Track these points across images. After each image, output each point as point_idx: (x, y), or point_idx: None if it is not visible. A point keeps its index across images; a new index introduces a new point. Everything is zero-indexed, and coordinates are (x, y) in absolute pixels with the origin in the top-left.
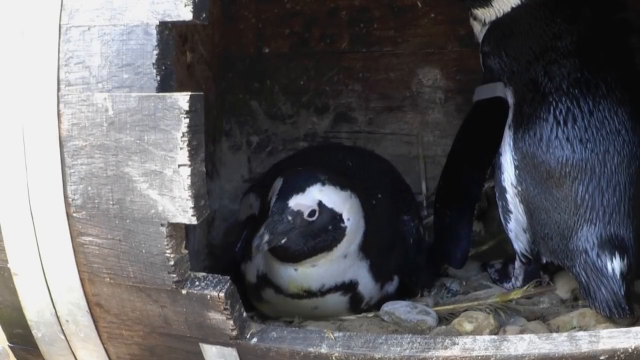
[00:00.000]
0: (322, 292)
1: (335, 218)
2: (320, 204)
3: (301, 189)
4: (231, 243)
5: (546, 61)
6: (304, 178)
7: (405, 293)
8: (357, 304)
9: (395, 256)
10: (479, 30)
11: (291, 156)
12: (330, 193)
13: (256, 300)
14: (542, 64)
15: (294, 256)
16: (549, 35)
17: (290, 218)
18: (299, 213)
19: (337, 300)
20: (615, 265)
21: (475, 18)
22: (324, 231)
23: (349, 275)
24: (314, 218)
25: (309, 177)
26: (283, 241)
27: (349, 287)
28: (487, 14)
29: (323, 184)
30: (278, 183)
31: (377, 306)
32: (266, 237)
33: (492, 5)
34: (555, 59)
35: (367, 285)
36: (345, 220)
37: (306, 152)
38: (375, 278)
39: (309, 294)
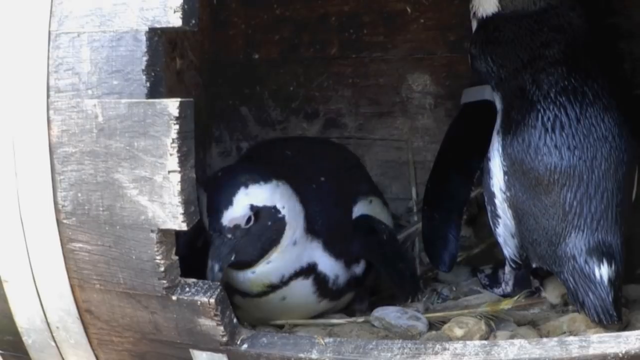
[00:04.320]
0: (284, 282)
1: (271, 212)
2: (252, 207)
3: (229, 202)
4: (193, 238)
5: (534, 69)
6: (227, 189)
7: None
8: (323, 285)
9: (356, 238)
10: (472, 19)
11: (242, 157)
12: (256, 192)
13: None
14: (530, 72)
15: (249, 263)
16: (537, 43)
17: (230, 235)
18: (236, 227)
19: (302, 285)
20: (603, 271)
21: (471, 5)
22: (266, 229)
23: (305, 259)
24: (252, 223)
25: (230, 186)
26: (232, 258)
27: (308, 270)
28: (475, 3)
29: (246, 186)
30: (203, 199)
31: (346, 287)
32: (217, 267)
33: (480, 1)
34: (543, 67)
35: (326, 263)
36: (281, 210)
37: (252, 149)
38: (334, 255)
39: (273, 287)
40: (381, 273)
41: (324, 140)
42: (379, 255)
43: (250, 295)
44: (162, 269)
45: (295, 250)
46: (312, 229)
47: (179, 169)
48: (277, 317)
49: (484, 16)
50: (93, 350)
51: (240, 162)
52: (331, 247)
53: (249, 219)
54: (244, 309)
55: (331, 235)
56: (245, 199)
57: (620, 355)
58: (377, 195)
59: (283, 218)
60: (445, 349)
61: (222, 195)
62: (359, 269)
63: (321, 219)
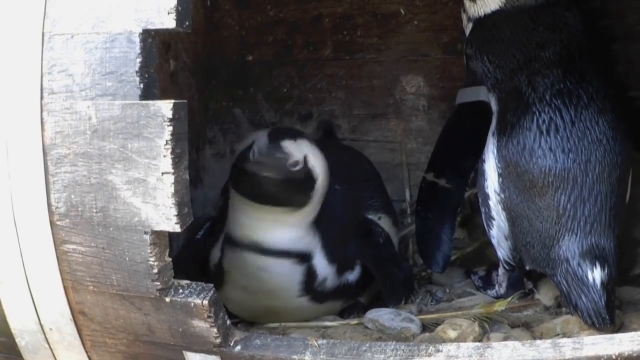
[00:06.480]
0: (273, 252)
1: (310, 174)
2: (305, 158)
3: (292, 137)
4: (191, 237)
5: (530, 71)
6: (289, 131)
7: (370, 284)
8: (311, 280)
9: (356, 245)
10: (465, 25)
11: None
12: (313, 150)
13: (220, 283)
14: (526, 74)
15: (274, 196)
16: (533, 44)
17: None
18: (288, 157)
19: (291, 268)
20: (596, 275)
21: (464, 10)
22: (302, 182)
23: (302, 246)
24: (298, 168)
25: (294, 131)
26: (270, 174)
27: (304, 257)
28: (472, 9)
29: (306, 142)
30: (261, 137)
31: (335, 294)
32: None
33: (476, 2)
34: (539, 69)
35: (321, 262)
36: (317, 178)
37: None
38: (329, 258)
39: (261, 251)
40: (375, 277)
41: (347, 148)
42: (374, 257)
43: (239, 246)
44: (155, 270)
45: (297, 231)
46: (318, 224)
47: (172, 170)
48: (250, 293)
49: (482, 15)
50: (87, 352)
51: None
52: (328, 250)
53: (296, 163)
54: (231, 275)
55: (332, 240)
56: (306, 147)
57: (614, 357)
58: (389, 213)
59: (315, 181)
60: (439, 351)
61: (283, 132)
62: (352, 276)
63: (328, 221)
